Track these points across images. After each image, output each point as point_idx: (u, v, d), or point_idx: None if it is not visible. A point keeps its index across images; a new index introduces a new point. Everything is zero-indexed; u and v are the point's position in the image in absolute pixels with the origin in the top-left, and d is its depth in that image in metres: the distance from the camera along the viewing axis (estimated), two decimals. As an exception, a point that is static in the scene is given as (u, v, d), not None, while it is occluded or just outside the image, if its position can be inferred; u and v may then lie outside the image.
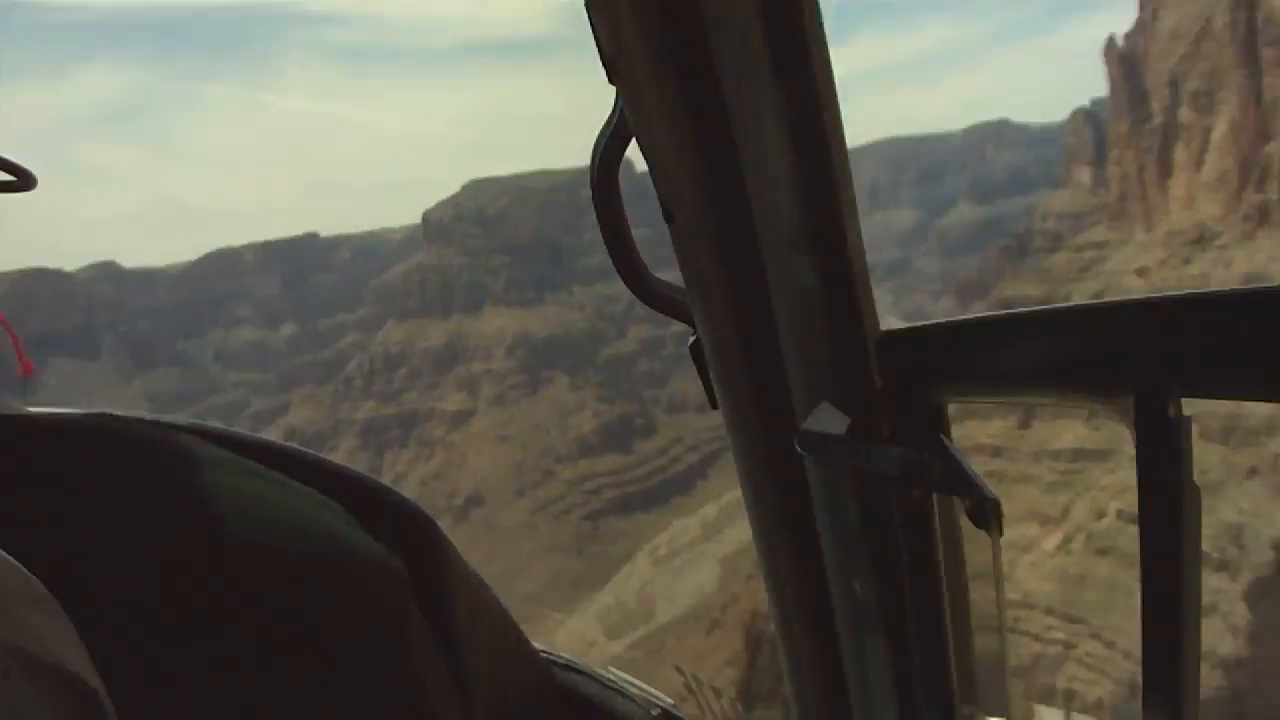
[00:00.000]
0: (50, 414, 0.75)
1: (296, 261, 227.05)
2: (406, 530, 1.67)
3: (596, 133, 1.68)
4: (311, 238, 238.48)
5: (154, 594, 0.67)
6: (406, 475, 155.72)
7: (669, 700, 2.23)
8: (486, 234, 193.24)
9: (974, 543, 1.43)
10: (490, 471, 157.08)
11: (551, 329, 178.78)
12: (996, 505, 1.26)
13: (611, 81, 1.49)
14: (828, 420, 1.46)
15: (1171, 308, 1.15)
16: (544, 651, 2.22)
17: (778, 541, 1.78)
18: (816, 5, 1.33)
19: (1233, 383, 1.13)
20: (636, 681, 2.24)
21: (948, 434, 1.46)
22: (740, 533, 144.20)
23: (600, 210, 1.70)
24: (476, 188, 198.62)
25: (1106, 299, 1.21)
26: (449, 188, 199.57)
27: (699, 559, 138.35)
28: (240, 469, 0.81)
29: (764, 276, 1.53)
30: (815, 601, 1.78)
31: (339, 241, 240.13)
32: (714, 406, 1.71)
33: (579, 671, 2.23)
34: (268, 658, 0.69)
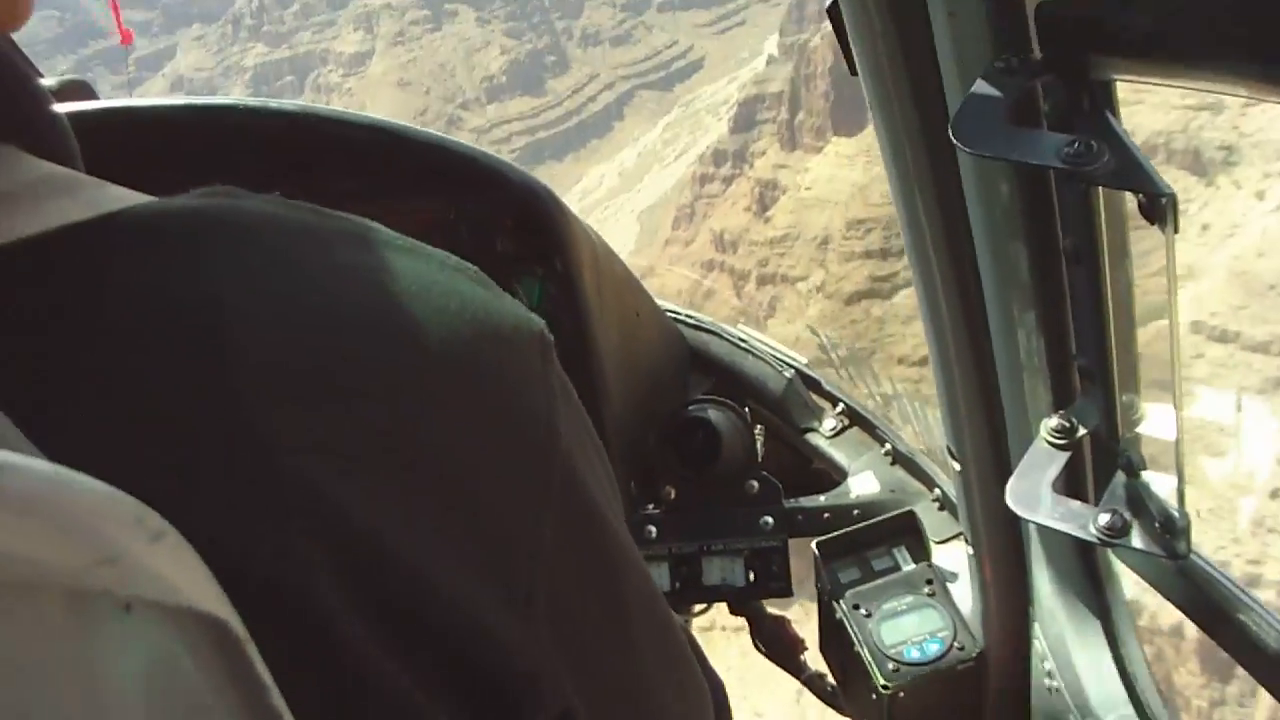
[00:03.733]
0: (147, 208, 0.70)
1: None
2: (530, 210, 1.87)
3: None
4: None
5: (297, 401, 0.64)
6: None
7: (802, 360, 2.42)
8: None
9: (1142, 232, 1.32)
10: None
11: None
12: (1173, 200, 1.20)
13: None
14: (984, 104, 1.33)
15: None
16: (672, 312, 2.40)
17: (926, 218, 1.67)
18: None
19: None
20: (769, 341, 2.41)
21: (1116, 114, 1.35)
22: (660, 181, 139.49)
23: None
24: None
25: None
26: None
27: (615, 214, 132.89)
28: (370, 239, 0.75)
29: None
30: (964, 282, 1.69)
31: None
32: (853, 73, 1.57)
33: (709, 331, 2.40)
34: (416, 457, 0.68)
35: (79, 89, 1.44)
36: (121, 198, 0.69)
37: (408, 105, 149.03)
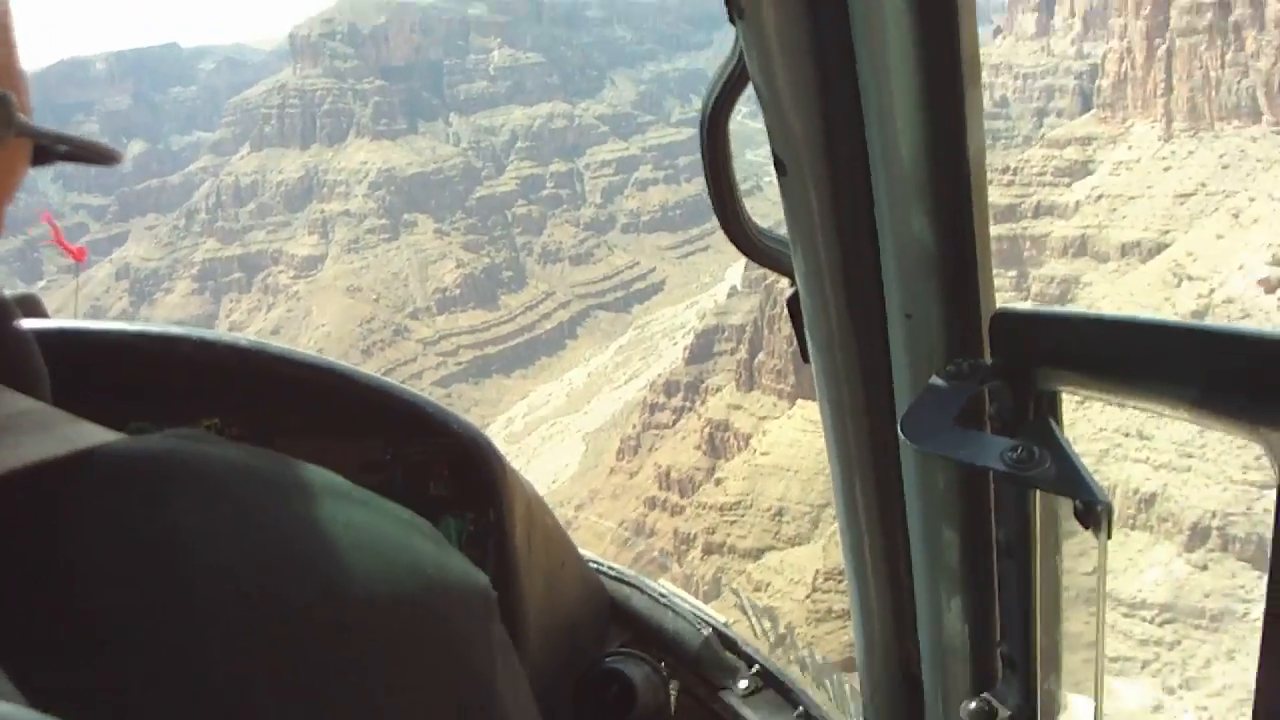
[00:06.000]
0: (121, 448, 0.74)
1: (153, 73, 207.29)
2: (468, 458, 1.93)
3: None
4: (171, 48, 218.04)
5: (249, 643, 0.68)
6: (244, 326, 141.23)
7: (720, 619, 2.45)
8: (359, 54, 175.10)
9: (1072, 532, 1.38)
10: (336, 327, 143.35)
11: (421, 165, 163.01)
12: (1108, 509, 1.25)
13: (733, 22, 1.42)
14: (934, 404, 1.41)
15: None
16: (595, 563, 2.44)
17: (863, 502, 1.77)
18: None
19: None
20: (689, 597, 2.46)
21: (1060, 424, 1.43)
22: (609, 404, 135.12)
23: (708, 156, 1.65)
24: (353, 1, 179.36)
25: (1261, 329, 1.18)
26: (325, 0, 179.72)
27: (560, 434, 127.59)
28: (329, 491, 0.80)
29: (875, 233, 1.49)
30: (895, 567, 1.80)
31: (203, 52, 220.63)
32: (805, 361, 1.69)
33: (630, 585, 2.44)
34: (363, 706, 0.72)
35: (30, 304, 1.45)
36: (95, 435, 0.72)
37: (355, 312, 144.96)
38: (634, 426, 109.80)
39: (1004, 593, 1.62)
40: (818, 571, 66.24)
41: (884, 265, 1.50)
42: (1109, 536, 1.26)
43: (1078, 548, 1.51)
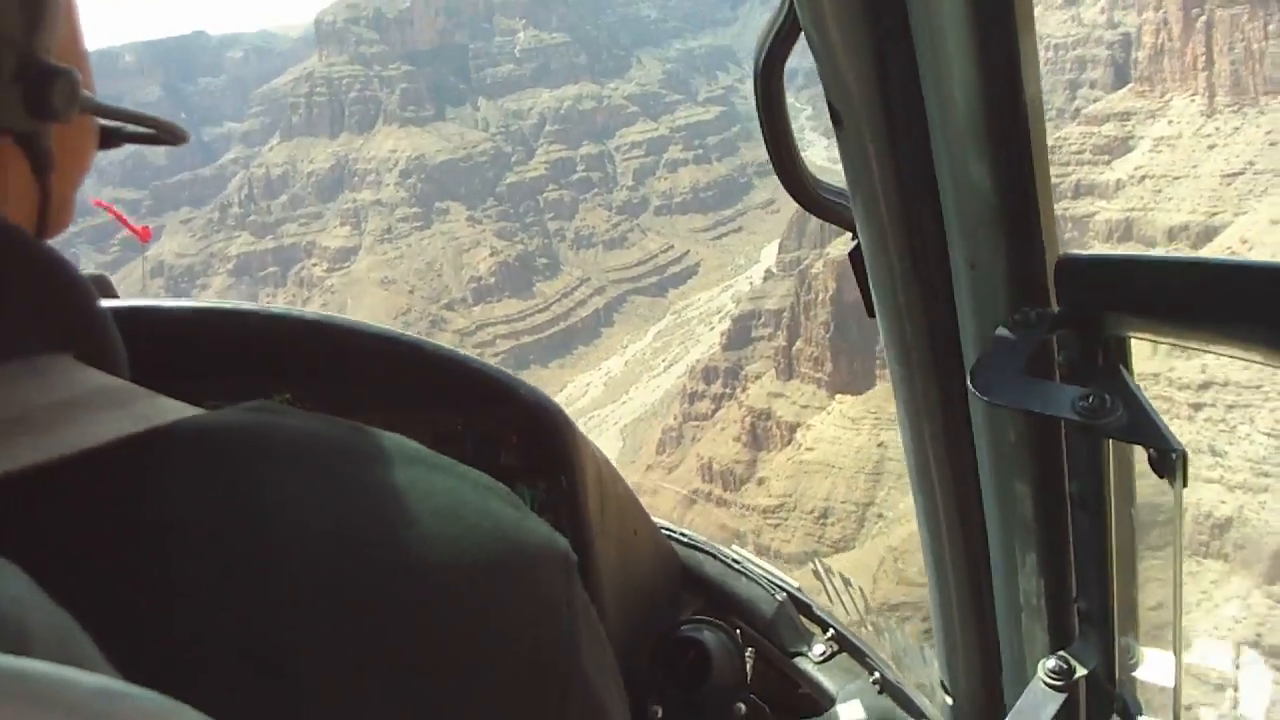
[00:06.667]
0: (200, 422, 0.75)
1: (182, 63, 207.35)
2: (538, 426, 1.93)
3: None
4: (199, 36, 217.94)
5: (329, 622, 0.69)
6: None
7: (794, 583, 2.46)
8: (385, 39, 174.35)
9: (1149, 481, 1.36)
10: (371, 319, 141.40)
11: (451, 151, 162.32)
12: (1183, 457, 1.22)
13: None
14: (1002, 354, 1.39)
15: None
16: (667, 530, 2.46)
17: (934, 458, 1.75)
18: None
19: None
20: (762, 563, 2.47)
21: (1130, 370, 1.41)
22: (647, 393, 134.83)
23: (764, 108, 1.62)
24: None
25: None
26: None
27: (598, 426, 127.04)
28: (407, 458, 0.81)
29: (935, 183, 1.46)
30: (969, 522, 1.77)
31: (230, 40, 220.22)
32: (870, 315, 1.66)
33: (703, 551, 2.46)
34: (440, 684, 0.72)
35: (103, 284, 1.49)
36: (172, 410, 0.74)
37: (390, 304, 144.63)
38: (675, 417, 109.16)
39: (1079, 547, 1.60)
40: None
41: (945, 216, 1.47)
42: (1184, 485, 1.24)
43: (1154, 498, 1.45)
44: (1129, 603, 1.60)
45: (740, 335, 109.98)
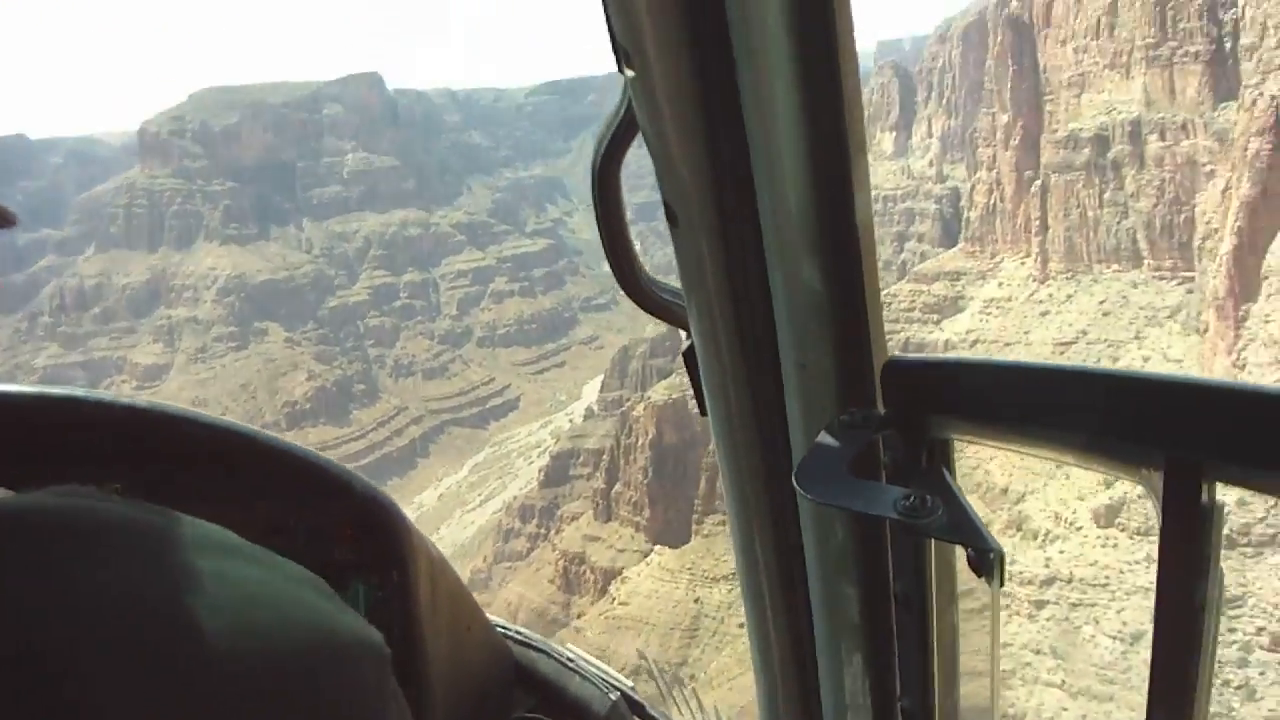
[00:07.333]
0: (10, 505, 0.75)
1: (0, 165, 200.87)
2: (371, 521, 1.91)
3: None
4: (19, 139, 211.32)
5: (136, 702, 0.68)
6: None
7: (628, 682, 2.45)
8: (209, 153, 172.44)
9: (968, 578, 1.35)
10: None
11: (272, 271, 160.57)
12: (1000, 557, 1.24)
13: (622, 71, 1.42)
14: (828, 454, 1.40)
15: (1213, 392, 1.14)
16: (502, 627, 2.42)
17: (763, 558, 1.75)
18: None
19: (1269, 477, 1.09)
20: (595, 661, 2.45)
21: (952, 471, 1.43)
22: (457, 530, 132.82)
23: (600, 208, 1.64)
24: (205, 98, 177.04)
25: (1143, 371, 1.13)
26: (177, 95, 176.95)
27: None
28: (222, 549, 0.81)
29: (767, 284, 1.48)
30: (796, 622, 1.79)
31: (50, 145, 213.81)
32: (703, 414, 1.68)
33: (537, 649, 2.43)
34: None
35: None
36: None
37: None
38: (484, 559, 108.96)
39: (903, 646, 1.61)
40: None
41: (777, 316, 1.50)
42: (1001, 585, 1.26)
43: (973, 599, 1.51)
44: (951, 702, 1.63)
45: (559, 473, 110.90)
